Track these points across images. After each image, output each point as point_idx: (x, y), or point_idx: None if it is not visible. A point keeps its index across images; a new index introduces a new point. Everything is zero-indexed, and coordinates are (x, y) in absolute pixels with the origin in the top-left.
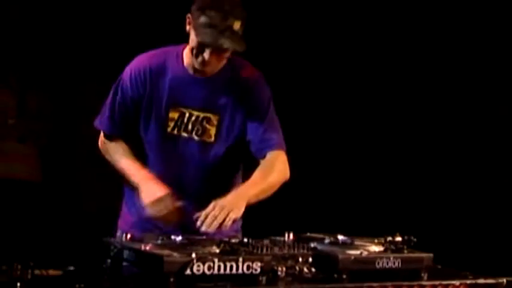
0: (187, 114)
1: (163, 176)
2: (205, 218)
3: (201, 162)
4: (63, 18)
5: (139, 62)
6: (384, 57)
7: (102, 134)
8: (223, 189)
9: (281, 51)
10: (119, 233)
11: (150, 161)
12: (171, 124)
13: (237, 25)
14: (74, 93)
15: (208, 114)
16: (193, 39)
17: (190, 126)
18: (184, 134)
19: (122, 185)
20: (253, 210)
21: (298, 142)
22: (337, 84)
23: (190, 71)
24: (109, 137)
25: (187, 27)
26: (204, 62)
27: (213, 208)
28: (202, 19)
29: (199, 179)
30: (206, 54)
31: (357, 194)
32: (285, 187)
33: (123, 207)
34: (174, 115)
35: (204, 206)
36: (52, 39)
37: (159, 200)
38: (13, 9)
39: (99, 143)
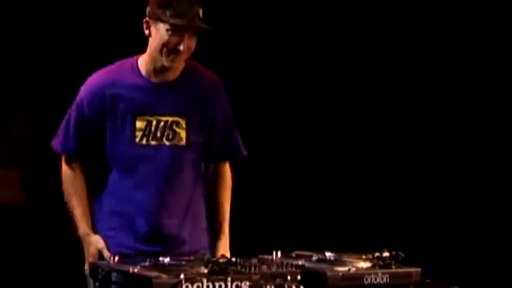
0: (154, 122)
1: (135, 189)
2: None
3: (174, 167)
4: (47, 42)
5: (94, 82)
6: (381, 62)
7: (63, 159)
8: (192, 191)
9: (280, 51)
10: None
11: (119, 176)
12: (139, 134)
13: (200, 12)
14: (58, 117)
15: (177, 118)
16: (161, 36)
17: (159, 133)
18: (154, 142)
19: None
20: (240, 229)
21: (283, 159)
22: (325, 105)
23: (152, 78)
24: (67, 162)
25: (147, 32)
26: (179, 56)
27: None
28: (169, 12)
29: (174, 184)
30: (182, 46)
31: (343, 210)
32: (271, 205)
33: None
34: (141, 125)
35: (178, 212)
36: (36, 63)
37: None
38: None
39: (62, 170)
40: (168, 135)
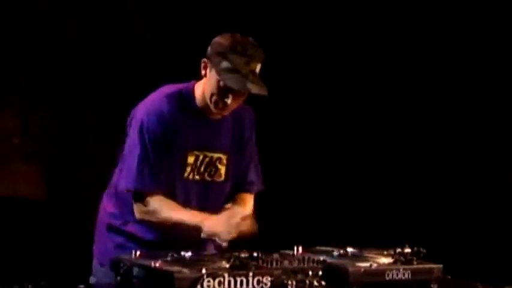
0: (201, 157)
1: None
2: None
3: (212, 202)
4: (68, 37)
5: (159, 105)
6: (384, 64)
7: (137, 201)
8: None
9: (280, 53)
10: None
11: None
12: (188, 169)
13: (258, 68)
14: (79, 112)
15: (220, 155)
16: (213, 84)
17: (203, 168)
18: (197, 177)
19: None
20: (262, 224)
21: (305, 155)
22: (336, 97)
23: (205, 112)
24: (149, 197)
25: (203, 72)
26: (225, 107)
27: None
28: (225, 64)
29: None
30: (229, 100)
31: (365, 205)
32: (293, 200)
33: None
34: (191, 160)
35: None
36: (57, 58)
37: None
38: (16, 27)
39: (138, 212)
40: (211, 171)
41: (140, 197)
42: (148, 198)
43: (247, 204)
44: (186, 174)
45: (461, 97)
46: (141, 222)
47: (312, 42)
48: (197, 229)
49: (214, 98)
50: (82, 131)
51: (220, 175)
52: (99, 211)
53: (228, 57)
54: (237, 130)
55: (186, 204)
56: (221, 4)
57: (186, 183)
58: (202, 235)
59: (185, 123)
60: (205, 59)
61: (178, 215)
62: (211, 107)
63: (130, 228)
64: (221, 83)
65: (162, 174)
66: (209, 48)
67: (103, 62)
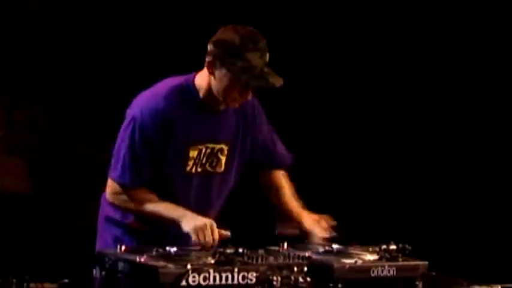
0: (204, 150)
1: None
2: None
3: (213, 193)
4: (54, 29)
5: (155, 103)
6: (384, 64)
7: (114, 184)
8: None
9: (281, 51)
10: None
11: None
12: (190, 163)
13: (267, 57)
14: (64, 105)
15: (222, 145)
16: (227, 83)
17: (204, 160)
18: (199, 170)
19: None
20: (247, 220)
21: (292, 150)
22: (330, 93)
23: (207, 105)
24: (129, 189)
25: (210, 70)
26: (242, 100)
27: None
28: (240, 63)
29: (212, 207)
30: (248, 93)
31: (350, 202)
32: None
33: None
34: (194, 154)
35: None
36: (43, 51)
37: (203, 228)
38: (2, 20)
39: (112, 194)
40: (212, 161)
41: (121, 187)
42: (129, 190)
43: (284, 182)
44: (188, 168)
45: (453, 97)
46: (111, 204)
47: (311, 40)
48: (176, 223)
49: (230, 95)
50: (67, 124)
51: (220, 166)
52: (100, 204)
53: (243, 56)
54: (241, 120)
55: (187, 196)
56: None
57: (188, 177)
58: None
59: (187, 118)
60: (211, 59)
61: (158, 207)
62: (226, 102)
63: (129, 221)
64: (237, 83)
65: (145, 171)
66: (213, 47)
67: (89, 56)
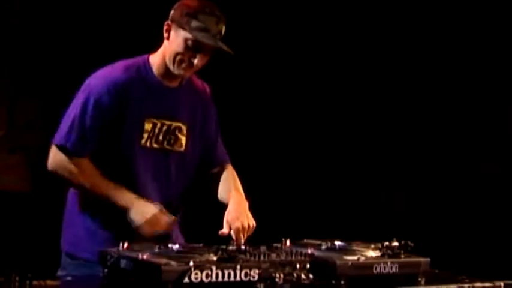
0: (159, 125)
1: (133, 191)
2: (238, 235)
3: (173, 172)
4: (54, 28)
5: (113, 77)
6: (379, 63)
7: (56, 150)
8: (185, 195)
9: (278, 51)
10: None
11: (117, 175)
12: (145, 136)
13: (223, 29)
14: (64, 104)
15: (179, 124)
16: (179, 43)
17: (161, 137)
18: (156, 145)
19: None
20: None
21: (292, 148)
22: (331, 94)
23: (161, 81)
24: (71, 156)
25: (166, 34)
26: (190, 67)
27: (241, 225)
28: (195, 23)
29: (172, 185)
30: (196, 59)
31: (353, 199)
32: (281, 193)
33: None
34: (148, 127)
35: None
36: (43, 49)
37: (153, 219)
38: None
39: (54, 162)
40: (170, 139)
41: (61, 152)
42: (69, 157)
43: (233, 175)
44: (143, 141)
45: (453, 96)
46: (52, 173)
47: (310, 41)
48: (122, 209)
49: (179, 57)
50: None
51: (181, 145)
52: (67, 201)
53: (198, 17)
54: (198, 101)
55: (146, 174)
56: None
57: (145, 152)
58: (129, 220)
59: (143, 92)
60: (168, 22)
61: (102, 189)
62: (174, 68)
63: (93, 209)
64: (189, 42)
65: (91, 141)
66: (173, 11)
67: (89, 54)
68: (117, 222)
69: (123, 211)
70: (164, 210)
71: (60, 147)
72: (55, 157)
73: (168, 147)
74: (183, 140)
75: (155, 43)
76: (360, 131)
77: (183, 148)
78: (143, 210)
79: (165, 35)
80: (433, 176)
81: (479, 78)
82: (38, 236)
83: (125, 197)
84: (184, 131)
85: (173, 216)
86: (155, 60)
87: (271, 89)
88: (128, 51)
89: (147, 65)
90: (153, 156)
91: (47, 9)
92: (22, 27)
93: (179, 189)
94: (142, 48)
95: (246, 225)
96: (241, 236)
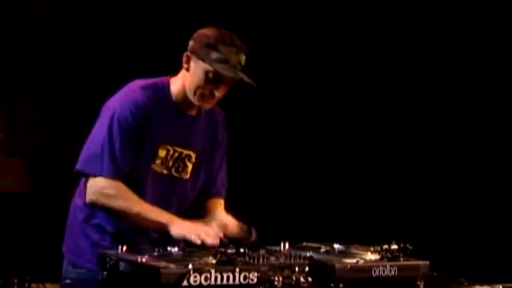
0: (171, 152)
1: None
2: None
3: (174, 199)
4: (54, 31)
5: (134, 97)
6: (379, 63)
7: (93, 180)
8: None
9: (278, 51)
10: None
11: None
12: (158, 162)
13: (244, 59)
14: (64, 106)
15: (190, 152)
16: (200, 76)
17: (171, 163)
18: (165, 172)
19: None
20: (248, 221)
21: (291, 151)
22: (330, 95)
23: (180, 108)
24: (108, 182)
25: (186, 66)
26: (211, 99)
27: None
28: (215, 55)
29: (174, 213)
30: (219, 91)
31: (351, 202)
32: (280, 196)
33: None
34: (162, 153)
35: None
36: (42, 53)
37: (197, 228)
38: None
39: (94, 193)
40: (178, 167)
41: (97, 180)
42: (107, 183)
43: (222, 211)
44: (155, 167)
45: (454, 97)
46: (92, 205)
47: (312, 42)
48: (163, 227)
49: (200, 90)
50: (67, 125)
51: (186, 172)
52: (72, 209)
53: (218, 48)
54: (210, 130)
55: (152, 198)
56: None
57: (155, 176)
58: (173, 235)
59: (160, 116)
60: (188, 53)
61: (140, 209)
62: (195, 100)
63: (97, 220)
64: (210, 74)
65: (124, 163)
66: (192, 42)
67: (89, 57)
68: (120, 234)
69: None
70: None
71: (94, 176)
72: (91, 187)
73: (175, 174)
74: (190, 167)
75: (154, 44)
76: (359, 132)
77: (188, 176)
78: (184, 224)
79: (185, 65)
80: (431, 178)
81: (479, 78)
82: (37, 238)
83: (164, 215)
84: (193, 159)
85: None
86: (175, 87)
87: (271, 90)
88: (128, 55)
89: (166, 90)
90: (160, 182)
91: (48, 12)
92: (22, 30)
93: (176, 215)
94: (141, 51)
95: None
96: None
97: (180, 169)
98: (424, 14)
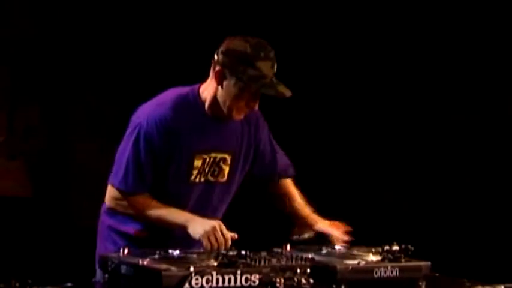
0: (207, 159)
1: None
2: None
3: (214, 202)
4: (54, 34)
5: (161, 111)
6: (381, 63)
7: (114, 190)
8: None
9: (279, 51)
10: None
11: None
12: (195, 172)
13: (275, 68)
14: (64, 109)
15: (225, 155)
16: (236, 92)
17: (208, 169)
18: (202, 179)
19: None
20: (250, 223)
21: (294, 152)
22: (330, 96)
23: (211, 114)
24: (130, 196)
25: (218, 79)
26: (245, 110)
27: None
28: (252, 72)
29: (211, 217)
30: (255, 103)
31: (353, 203)
32: None
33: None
34: (198, 163)
35: None
36: (42, 56)
37: (212, 230)
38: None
39: (112, 200)
40: (214, 171)
41: (121, 193)
42: (130, 198)
43: (293, 190)
44: (192, 178)
45: (454, 98)
46: (111, 211)
47: (314, 41)
48: (182, 228)
49: (236, 105)
50: (67, 128)
51: (223, 175)
52: (101, 213)
53: (255, 65)
54: (244, 130)
55: (188, 204)
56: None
57: (192, 186)
58: (191, 234)
59: (192, 127)
60: (220, 68)
61: (163, 212)
62: (230, 113)
63: (133, 230)
64: (247, 92)
65: (148, 179)
66: (222, 56)
67: (89, 59)
68: (144, 239)
69: (152, 228)
70: (223, 225)
71: (119, 190)
72: (115, 196)
73: (211, 178)
74: (226, 170)
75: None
76: (360, 133)
77: (225, 178)
78: (203, 223)
79: (216, 80)
80: (432, 179)
81: (479, 78)
82: (38, 241)
83: (183, 215)
84: (229, 161)
85: (234, 233)
86: (206, 96)
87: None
88: (129, 58)
89: (198, 100)
90: (198, 189)
91: (48, 15)
92: (22, 33)
93: (217, 219)
94: (141, 55)
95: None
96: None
97: (216, 173)
98: (424, 14)
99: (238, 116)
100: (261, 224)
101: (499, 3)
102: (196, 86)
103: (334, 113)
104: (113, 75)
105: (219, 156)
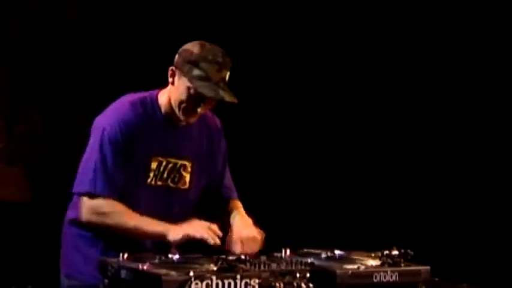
0: (164, 163)
1: None
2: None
3: (175, 209)
4: (54, 38)
5: (123, 113)
6: (380, 63)
7: (86, 199)
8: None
9: (278, 51)
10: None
11: None
12: (151, 175)
13: (227, 75)
14: (64, 114)
15: (185, 162)
16: (182, 92)
17: (166, 174)
18: (160, 183)
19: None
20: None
21: (292, 157)
22: (329, 97)
23: (169, 119)
24: (102, 200)
25: (171, 80)
26: (194, 115)
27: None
28: (196, 72)
29: (174, 223)
30: (201, 108)
31: (352, 208)
32: (281, 203)
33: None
34: (154, 165)
35: None
36: (42, 61)
37: (192, 224)
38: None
39: (88, 213)
40: (174, 177)
41: (91, 199)
42: (100, 201)
43: (240, 208)
44: (149, 180)
45: (455, 99)
46: (88, 224)
47: (313, 41)
48: (161, 237)
49: (183, 105)
50: (67, 133)
51: (184, 182)
52: (65, 224)
53: (200, 65)
54: (204, 137)
55: (149, 211)
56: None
57: (149, 190)
58: (172, 240)
59: (150, 130)
60: (173, 67)
61: (136, 222)
62: (180, 114)
63: (88, 233)
64: (192, 91)
65: (118, 181)
66: (177, 57)
67: (89, 65)
68: (111, 245)
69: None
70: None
71: (88, 195)
72: (86, 206)
73: (172, 185)
74: (187, 177)
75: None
76: (360, 136)
77: (186, 186)
78: (181, 227)
79: (170, 79)
80: (432, 183)
81: (480, 78)
82: (37, 247)
83: (160, 225)
84: (189, 169)
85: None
86: (163, 100)
87: (271, 92)
88: (129, 64)
89: (155, 104)
90: (156, 194)
91: (48, 18)
92: (22, 37)
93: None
94: (142, 61)
95: (254, 235)
96: (252, 245)
97: (177, 179)
98: (424, 14)
99: (191, 119)
100: (260, 228)
101: (499, 3)
102: (155, 91)
103: (334, 113)
104: (114, 81)
105: (179, 162)
